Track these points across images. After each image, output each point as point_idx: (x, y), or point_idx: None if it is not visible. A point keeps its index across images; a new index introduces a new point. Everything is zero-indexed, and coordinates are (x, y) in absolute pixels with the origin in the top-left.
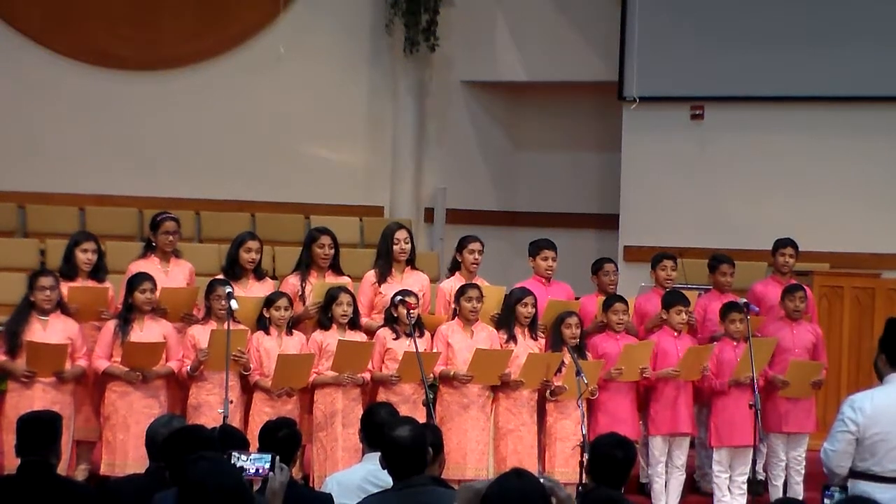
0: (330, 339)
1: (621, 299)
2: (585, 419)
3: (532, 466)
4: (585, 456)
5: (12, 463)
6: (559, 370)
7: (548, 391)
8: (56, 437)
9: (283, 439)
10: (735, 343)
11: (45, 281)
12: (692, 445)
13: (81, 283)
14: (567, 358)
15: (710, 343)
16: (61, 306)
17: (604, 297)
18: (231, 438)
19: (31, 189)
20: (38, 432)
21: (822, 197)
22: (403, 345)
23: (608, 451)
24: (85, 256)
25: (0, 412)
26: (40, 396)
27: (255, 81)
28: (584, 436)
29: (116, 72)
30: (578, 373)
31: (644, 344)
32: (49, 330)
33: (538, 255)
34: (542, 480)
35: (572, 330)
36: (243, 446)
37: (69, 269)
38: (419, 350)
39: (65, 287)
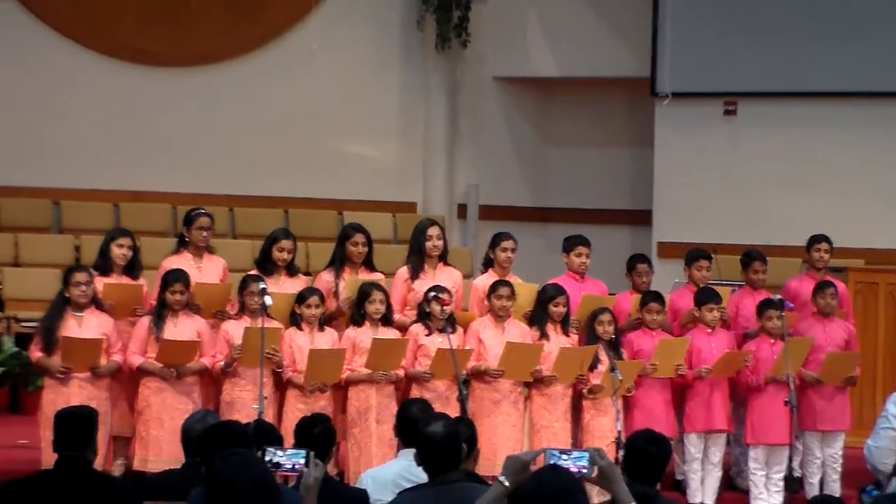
0: (363, 335)
1: (658, 298)
2: (621, 416)
3: None
4: (621, 453)
5: (50, 458)
6: (594, 367)
7: (585, 389)
8: (92, 432)
9: (319, 435)
10: (772, 340)
11: (81, 276)
12: (728, 442)
13: (116, 278)
14: (602, 355)
15: (743, 339)
16: (95, 302)
17: (639, 295)
18: (265, 434)
19: (65, 185)
20: (75, 428)
21: (857, 192)
22: (436, 341)
23: (643, 447)
24: (121, 252)
25: (37, 408)
26: (77, 392)
27: (288, 77)
28: (619, 432)
29: (149, 68)
30: (613, 369)
31: (680, 340)
32: (84, 325)
33: (572, 252)
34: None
35: (605, 326)
36: (278, 442)
37: (104, 264)
38: (452, 346)
39: (99, 283)
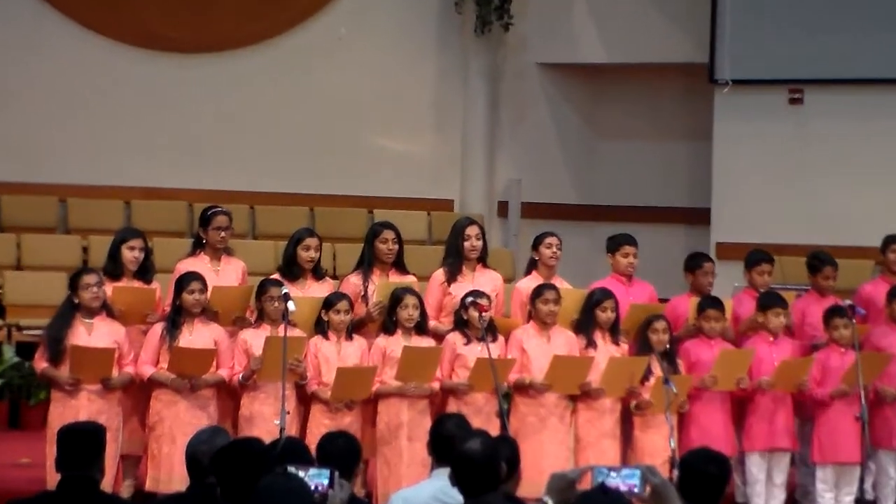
0: (394, 344)
1: (717, 304)
2: (675, 432)
3: None
4: (675, 473)
5: (55, 478)
6: (645, 379)
7: (632, 404)
8: (99, 450)
9: (341, 451)
10: (843, 350)
11: (90, 278)
12: (793, 462)
13: (127, 283)
14: (655, 366)
15: (810, 351)
16: (106, 308)
17: (697, 298)
18: (295, 454)
19: (72, 181)
20: (80, 445)
21: None
22: (475, 350)
23: (700, 467)
24: (132, 254)
25: (40, 423)
26: (86, 406)
27: (315, 65)
28: (673, 451)
29: (165, 55)
30: (667, 381)
31: (743, 352)
32: (94, 333)
33: (617, 252)
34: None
35: (660, 335)
36: (310, 463)
37: (114, 268)
38: (492, 356)
39: (109, 287)
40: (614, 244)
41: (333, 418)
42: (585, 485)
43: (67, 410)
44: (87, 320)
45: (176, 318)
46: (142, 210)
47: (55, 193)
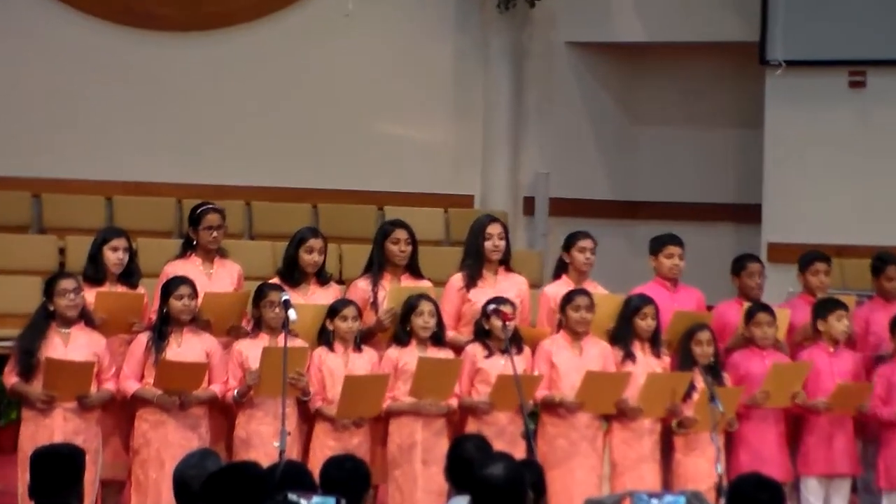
0: (408, 356)
1: (767, 309)
2: (722, 456)
3: None
4: (722, 501)
5: None
6: (688, 395)
7: (674, 424)
8: (77, 475)
9: (348, 477)
10: None
11: (68, 283)
12: (854, 489)
13: (110, 288)
14: (699, 381)
15: (873, 363)
16: (85, 317)
17: (747, 304)
18: (296, 479)
19: (48, 175)
20: (56, 470)
21: None
22: (497, 364)
23: (751, 494)
24: (115, 256)
25: (11, 446)
26: (61, 426)
27: (319, 44)
28: (720, 476)
29: (151, 33)
30: (712, 399)
31: (798, 365)
32: (71, 345)
33: (661, 253)
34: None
35: (703, 347)
36: (311, 490)
37: (95, 272)
38: (517, 371)
39: (89, 294)
40: (658, 244)
41: (339, 439)
42: None
43: (40, 431)
44: (63, 330)
45: (163, 328)
46: (125, 207)
47: (27, 188)
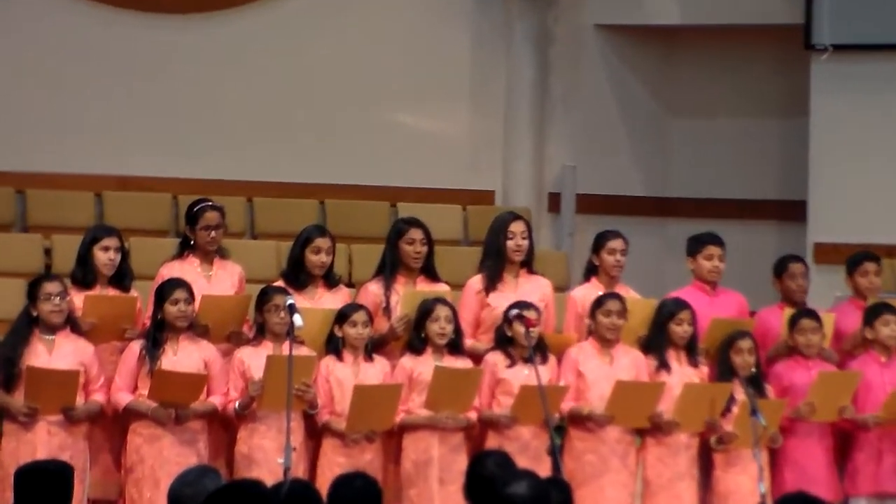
0: (423, 365)
1: (812, 315)
2: (765, 473)
3: None
4: None
5: None
6: (728, 409)
7: (713, 439)
8: (65, 494)
9: (358, 496)
10: None
11: (52, 286)
12: None
13: (101, 291)
14: (739, 393)
15: None
16: (71, 323)
17: (791, 309)
18: (303, 498)
19: (32, 169)
20: (42, 488)
21: None
22: (520, 374)
23: None
24: (105, 256)
25: None
26: (45, 441)
27: (326, 28)
28: (763, 495)
29: (143, 15)
30: (754, 412)
31: (846, 375)
32: (56, 353)
33: (699, 254)
34: None
35: (744, 356)
36: None
37: (85, 274)
38: (541, 381)
39: (78, 297)
40: (696, 245)
41: (349, 455)
42: None
43: (22, 446)
44: (46, 337)
45: (157, 335)
46: (116, 204)
47: (11, 183)
